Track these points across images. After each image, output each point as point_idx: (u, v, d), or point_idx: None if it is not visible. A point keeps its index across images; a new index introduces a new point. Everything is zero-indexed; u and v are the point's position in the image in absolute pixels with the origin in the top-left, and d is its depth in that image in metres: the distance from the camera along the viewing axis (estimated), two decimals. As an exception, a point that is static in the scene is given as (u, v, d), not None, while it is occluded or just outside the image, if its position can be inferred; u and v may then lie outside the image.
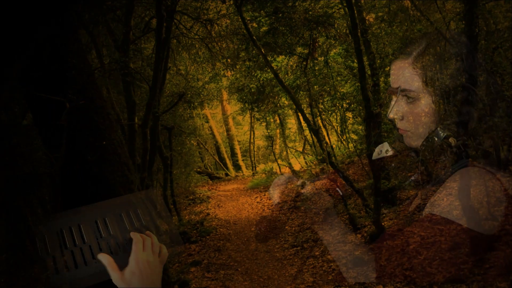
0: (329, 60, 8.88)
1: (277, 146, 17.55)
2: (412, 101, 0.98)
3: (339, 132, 11.87)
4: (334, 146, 12.20)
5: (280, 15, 7.57)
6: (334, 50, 9.15)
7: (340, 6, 7.94)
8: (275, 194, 1.28)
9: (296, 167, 13.68)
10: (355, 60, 8.30)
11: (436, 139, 0.96)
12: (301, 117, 10.80)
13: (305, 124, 9.31)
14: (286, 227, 7.40)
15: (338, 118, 10.81)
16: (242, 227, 8.10)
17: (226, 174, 16.99)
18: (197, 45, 9.65)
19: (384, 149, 1.16)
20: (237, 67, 10.85)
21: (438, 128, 0.96)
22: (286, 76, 9.50)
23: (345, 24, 8.18)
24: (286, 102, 12.11)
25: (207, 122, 17.65)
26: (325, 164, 10.04)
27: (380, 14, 8.42)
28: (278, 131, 17.30)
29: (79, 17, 5.82)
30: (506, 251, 0.93)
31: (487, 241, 0.93)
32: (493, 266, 0.93)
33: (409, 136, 1.03)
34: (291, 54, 9.00)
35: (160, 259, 0.89)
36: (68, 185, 2.84)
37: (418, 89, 0.96)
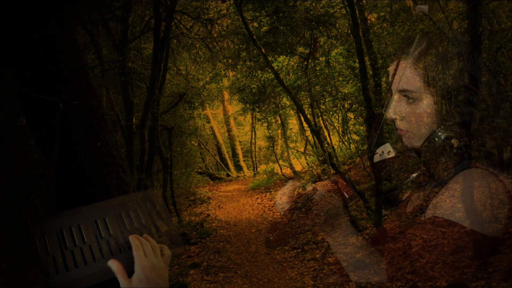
0: (331, 60, 8.82)
1: (279, 147, 17.49)
2: (413, 102, 0.97)
3: (340, 132, 11.80)
4: (335, 147, 12.13)
5: (281, 14, 7.50)
6: (336, 50, 9.08)
7: (341, 5, 7.87)
8: (282, 204, 1.27)
9: (298, 167, 13.61)
10: (357, 60, 8.25)
11: (436, 139, 0.96)
12: (302, 118, 10.74)
13: (307, 125, 9.25)
14: (287, 229, 7.32)
15: (339, 118, 10.75)
16: (243, 228, 8.03)
17: (227, 175, 16.93)
18: (197, 45, 9.60)
19: (386, 151, 1.15)
20: (238, 67, 10.79)
21: (438, 129, 0.95)
22: (287, 76, 9.44)
23: (346, 24, 8.11)
24: (288, 103, 12.05)
25: (208, 122, 17.60)
26: (326, 164, 9.97)
27: (382, 13, 8.36)
28: (279, 131, 17.23)
29: (79, 16, 5.78)
30: (510, 254, 0.92)
31: (490, 244, 0.91)
32: (497, 270, 0.91)
33: (409, 137, 1.02)
34: (292, 54, 8.94)
35: (164, 260, 0.89)
36: (62, 187, 2.77)
37: (419, 89, 0.95)
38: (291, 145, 14.91)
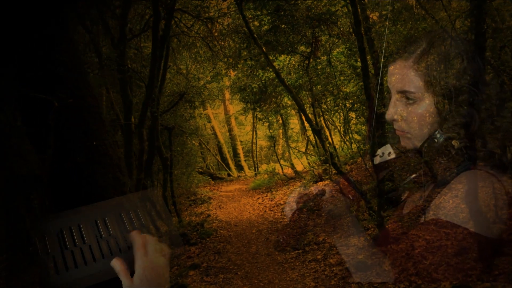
0: (332, 59, 8.75)
1: (280, 147, 17.45)
2: (412, 103, 0.96)
3: (342, 132, 11.73)
4: (337, 146, 12.06)
5: (282, 13, 7.44)
6: (337, 49, 9.01)
7: (343, 3, 7.80)
8: (289, 209, 1.29)
9: (299, 167, 13.55)
10: (358, 59, 8.17)
11: (436, 141, 0.95)
12: (303, 117, 10.67)
13: (308, 124, 9.18)
14: (288, 229, 7.26)
15: (341, 118, 10.68)
16: (243, 229, 7.97)
17: (228, 175, 16.88)
18: (198, 44, 9.55)
19: (387, 152, 1.13)
20: (239, 66, 10.73)
21: (438, 130, 0.95)
22: (288, 75, 9.38)
23: (348, 23, 8.04)
24: (289, 102, 12.00)
25: (209, 122, 17.55)
26: (327, 164, 9.90)
27: (384, 12, 8.29)
28: (280, 131, 17.17)
29: (78, 15, 5.73)
30: (515, 256, 0.90)
31: (495, 245, 0.90)
32: (502, 273, 0.90)
33: (408, 138, 1.01)
34: (293, 53, 8.87)
35: (165, 259, 0.89)
36: (57, 187, 2.71)
37: (419, 90, 0.94)
38: (292, 144, 14.84)
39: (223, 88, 14.34)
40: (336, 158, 8.79)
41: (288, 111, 13.33)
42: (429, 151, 0.98)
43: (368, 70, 5.62)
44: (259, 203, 10.16)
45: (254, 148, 17.44)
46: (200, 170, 15.43)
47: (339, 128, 11.83)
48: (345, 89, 9.12)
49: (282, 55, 9.37)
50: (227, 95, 16.66)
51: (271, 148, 15.01)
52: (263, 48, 7.34)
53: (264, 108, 12.06)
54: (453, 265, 0.87)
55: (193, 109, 11.48)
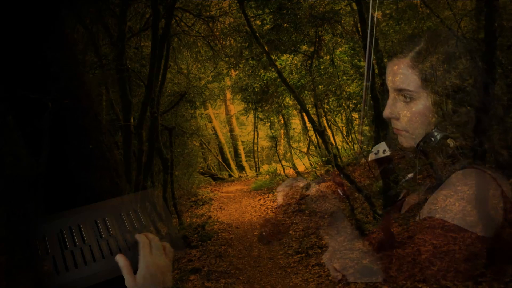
0: (335, 59, 8.62)
1: (281, 147, 17.35)
2: (409, 101, 0.96)
3: (344, 133, 11.61)
4: (339, 147, 11.94)
5: (285, 11, 7.32)
6: (340, 49, 8.89)
7: (346, 2, 7.68)
8: (280, 197, 1.27)
9: (301, 168, 13.44)
10: (362, 59, 8.05)
11: (432, 139, 0.95)
12: (305, 117, 10.56)
13: (310, 125, 9.06)
14: (290, 231, 7.13)
15: (343, 118, 10.57)
16: (245, 231, 7.84)
17: (230, 175, 16.77)
18: (199, 43, 9.44)
19: (382, 150, 1.14)
20: (240, 66, 10.62)
21: (434, 129, 0.95)
22: (291, 75, 9.26)
23: (351, 22, 7.92)
24: (291, 102, 11.90)
25: (210, 122, 17.44)
26: (330, 165, 9.78)
27: (387, 11, 8.17)
28: (282, 131, 17.06)
29: (77, 12, 5.61)
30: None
31: (505, 251, 0.88)
32: None
33: (404, 136, 1.01)
34: (295, 52, 8.75)
35: (168, 258, 0.90)
36: (51, 193, 2.59)
37: (417, 88, 0.94)
38: (294, 145, 14.73)
39: (224, 88, 14.25)
40: (339, 159, 8.67)
41: (290, 111, 13.22)
42: (425, 150, 0.98)
43: (374, 70, 5.48)
44: (260, 205, 10.04)
45: (255, 148, 17.34)
46: (201, 170, 15.32)
47: (341, 128, 11.72)
48: (348, 89, 9.00)
49: (285, 55, 9.25)
50: (229, 95, 16.55)
51: (273, 148, 14.91)
52: (265, 48, 7.22)
53: (266, 108, 11.96)
54: (462, 271, 0.85)
55: (194, 109, 11.37)
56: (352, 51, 8.31)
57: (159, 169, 8.38)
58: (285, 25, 7.65)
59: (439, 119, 0.94)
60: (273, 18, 7.84)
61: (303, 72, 8.81)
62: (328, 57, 8.72)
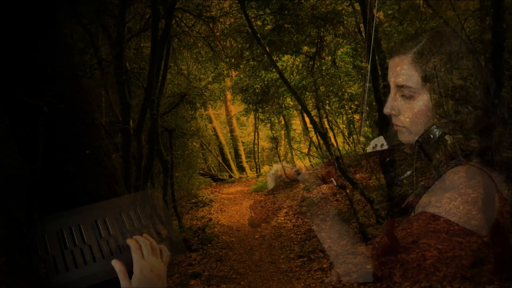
0: (337, 60, 8.53)
1: (282, 148, 17.27)
2: (410, 97, 0.96)
3: (346, 134, 11.52)
4: (340, 148, 11.85)
5: (286, 12, 7.23)
6: (342, 49, 8.80)
7: (348, 2, 7.59)
8: (270, 182, 1.36)
9: (301, 169, 13.33)
10: (364, 60, 7.95)
11: (431, 136, 0.95)
12: (306, 118, 10.47)
13: (311, 126, 8.97)
14: (292, 234, 7.04)
15: (345, 120, 10.47)
16: (246, 234, 7.75)
17: (230, 176, 16.69)
18: (199, 44, 9.35)
19: (379, 144, 1.16)
20: (241, 66, 10.54)
21: (434, 126, 0.94)
22: (292, 76, 9.17)
23: (353, 22, 7.82)
24: (291, 103, 11.82)
25: (211, 122, 17.37)
26: (331, 167, 9.66)
27: (390, 12, 8.09)
28: (282, 132, 16.99)
29: (75, 13, 5.53)
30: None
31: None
32: None
33: (404, 132, 1.02)
34: (297, 53, 8.66)
35: (163, 260, 0.89)
36: (47, 199, 2.50)
37: (417, 85, 0.94)
38: (295, 146, 14.67)
39: (225, 88, 14.17)
40: (340, 160, 8.57)
41: (291, 112, 13.13)
42: (424, 146, 0.98)
43: (378, 72, 5.39)
44: (261, 207, 9.93)
45: (256, 149, 17.27)
46: (201, 171, 15.23)
47: (342, 129, 11.63)
48: (350, 90, 8.91)
49: (286, 56, 9.16)
50: (229, 95, 16.47)
51: (273, 149, 14.81)
52: (267, 48, 7.13)
53: (266, 109, 11.89)
54: (469, 278, 0.84)
55: (194, 110, 11.28)
56: (354, 52, 8.22)
57: (159, 170, 8.30)
58: (286, 25, 7.56)
59: (440, 118, 0.94)
60: (274, 18, 7.75)
61: (304, 73, 8.72)
62: (329, 58, 8.63)
